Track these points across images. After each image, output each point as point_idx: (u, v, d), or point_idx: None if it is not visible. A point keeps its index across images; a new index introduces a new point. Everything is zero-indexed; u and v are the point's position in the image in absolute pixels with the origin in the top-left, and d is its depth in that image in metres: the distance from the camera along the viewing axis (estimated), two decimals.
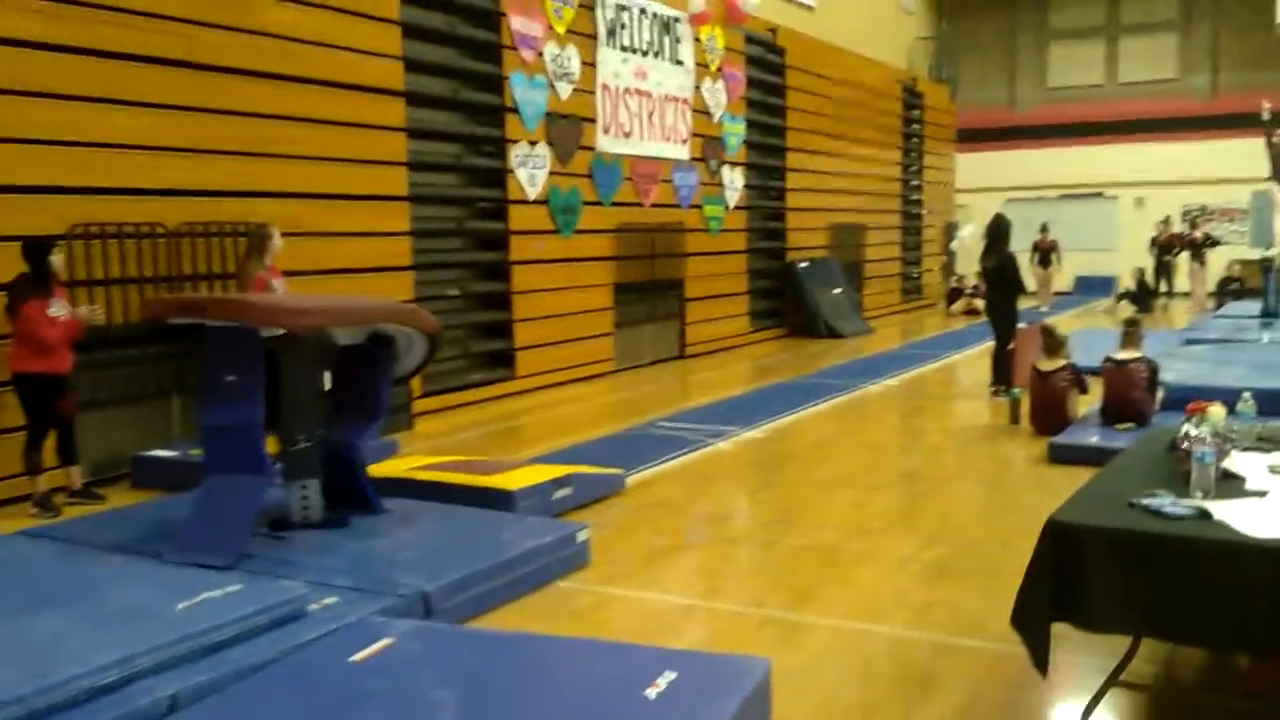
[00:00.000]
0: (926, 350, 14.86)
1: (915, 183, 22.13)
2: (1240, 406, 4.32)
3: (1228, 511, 3.30)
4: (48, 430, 6.59)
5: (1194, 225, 21.71)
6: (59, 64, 7.03)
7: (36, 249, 6.54)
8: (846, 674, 4.14)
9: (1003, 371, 10.28)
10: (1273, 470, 3.80)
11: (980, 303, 16.21)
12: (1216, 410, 4.02)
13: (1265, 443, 4.18)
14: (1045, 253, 19.87)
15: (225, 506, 5.10)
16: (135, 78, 7.44)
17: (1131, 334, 8.27)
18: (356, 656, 3.75)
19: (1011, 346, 10.24)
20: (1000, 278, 10.36)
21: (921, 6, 24.50)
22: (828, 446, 8.80)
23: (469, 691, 3.49)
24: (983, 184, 24.56)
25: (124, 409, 7.56)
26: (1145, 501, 3.39)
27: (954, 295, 20.66)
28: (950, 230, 23.62)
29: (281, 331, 5.33)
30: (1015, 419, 9.03)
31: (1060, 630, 3.30)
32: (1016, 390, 9.24)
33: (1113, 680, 3.42)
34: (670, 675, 3.53)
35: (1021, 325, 10.48)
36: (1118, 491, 3.59)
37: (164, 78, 7.62)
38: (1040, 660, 3.32)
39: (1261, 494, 3.53)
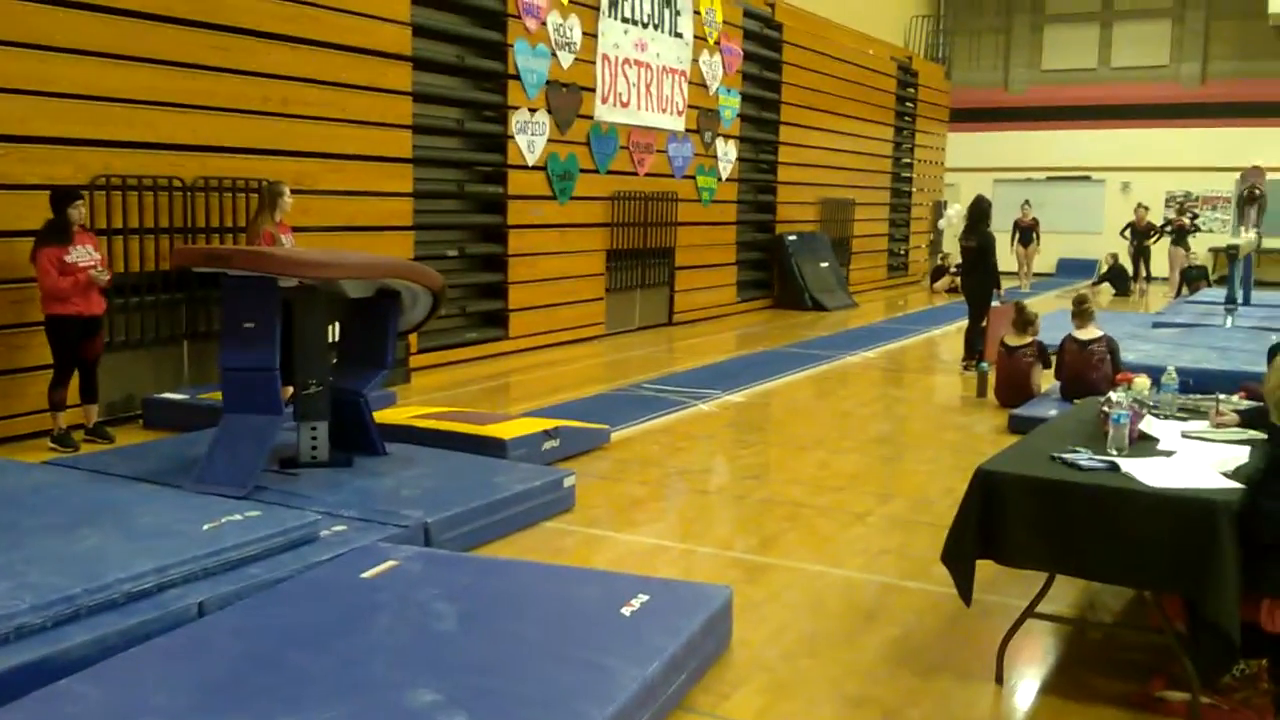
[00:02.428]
0: (907, 325, 15.33)
1: (906, 160, 22.51)
2: (1164, 379, 4.79)
3: (1134, 466, 3.76)
4: (73, 370, 6.96)
5: (1181, 210, 22.02)
6: (80, 21, 7.33)
7: (57, 198, 6.83)
8: (800, 607, 4.63)
9: (974, 347, 10.77)
10: (1185, 435, 4.28)
11: None
12: (1141, 381, 4.52)
13: (1186, 413, 4.68)
14: (1026, 230, 20.28)
15: (241, 442, 5.54)
16: (152, 36, 7.77)
17: (1082, 312, 8.54)
18: (366, 574, 4.21)
19: (985, 324, 10.72)
20: (979, 258, 10.83)
21: None
22: (803, 412, 9.28)
23: (466, 605, 3.95)
24: (972, 164, 24.95)
25: (137, 353, 7.96)
26: (1063, 455, 3.86)
27: (938, 273, 21.07)
28: (938, 209, 24.02)
29: (297, 282, 5.76)
30: (982, 392, 9.51)
31: (993, 575, 3.73)
32: (985, 365, 9.71)
33: (1029, 613, 3.89)
34: (644, 597, 4.01)
35: (995, 304, 10.95)
36: (1044, 447, 4.06)
37: (180, 36, 7.96)
38: (965, 592, 3.81)
39: (1169, 454, 4.00)
